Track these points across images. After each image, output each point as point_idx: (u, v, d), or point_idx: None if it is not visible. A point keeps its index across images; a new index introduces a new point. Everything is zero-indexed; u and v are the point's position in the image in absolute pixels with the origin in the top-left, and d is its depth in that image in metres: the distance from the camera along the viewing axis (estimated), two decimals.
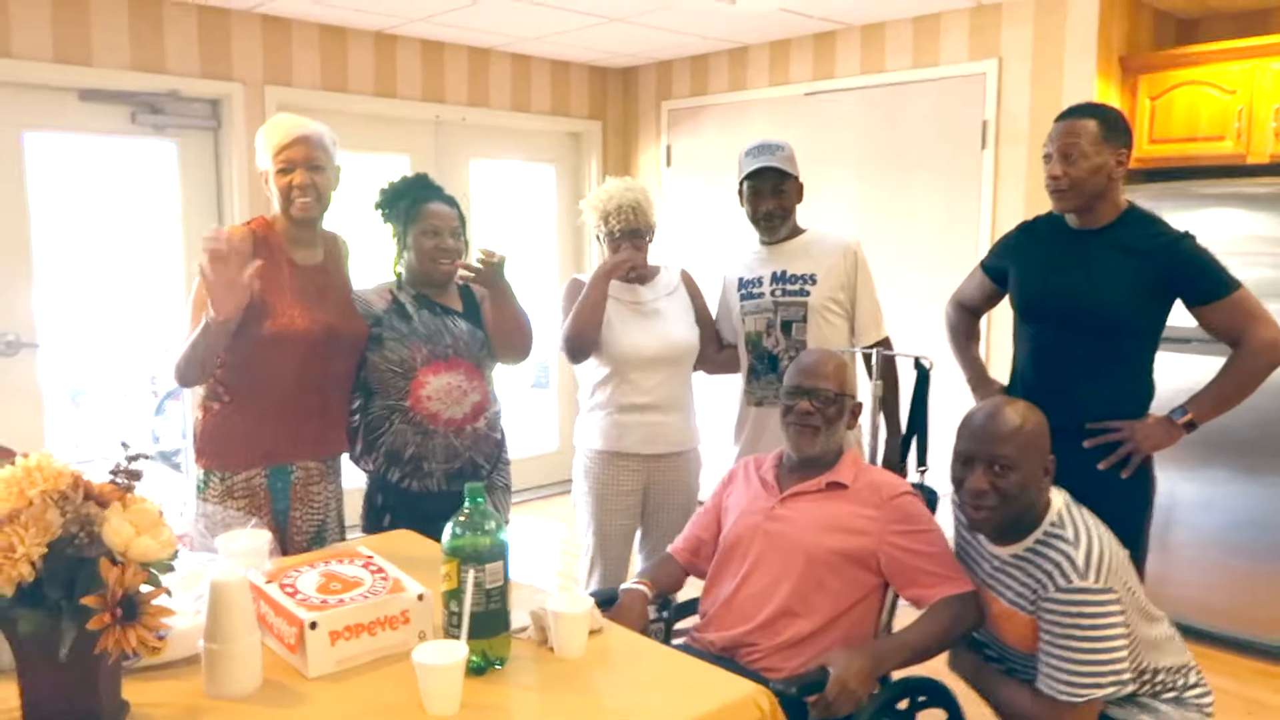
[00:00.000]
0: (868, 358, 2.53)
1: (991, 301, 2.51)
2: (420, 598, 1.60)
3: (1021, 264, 2.34)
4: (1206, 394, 2.16)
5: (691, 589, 2.19)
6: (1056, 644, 1.67)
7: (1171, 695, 1.81)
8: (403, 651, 1.52)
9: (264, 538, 1.76)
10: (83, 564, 1.23)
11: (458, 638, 1.47)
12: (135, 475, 1.33)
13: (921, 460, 2.39)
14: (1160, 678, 1.80)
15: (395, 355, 2.32)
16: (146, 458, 1.40)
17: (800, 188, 2.61)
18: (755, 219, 2.61)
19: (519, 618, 1.64)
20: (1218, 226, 3.23)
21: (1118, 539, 1.77)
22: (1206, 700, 1.84)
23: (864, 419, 2.35)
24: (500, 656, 1.55)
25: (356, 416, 2.38)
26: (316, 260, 2.28)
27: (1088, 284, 2.16)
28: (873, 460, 2.49)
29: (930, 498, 2.17)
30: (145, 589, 1.26)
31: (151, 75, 3.77)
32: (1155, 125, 3.64)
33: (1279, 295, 2.96)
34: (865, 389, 2.43)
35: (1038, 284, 2.28)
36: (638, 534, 2.75)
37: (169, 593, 1.30)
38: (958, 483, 1.83)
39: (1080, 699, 1.64)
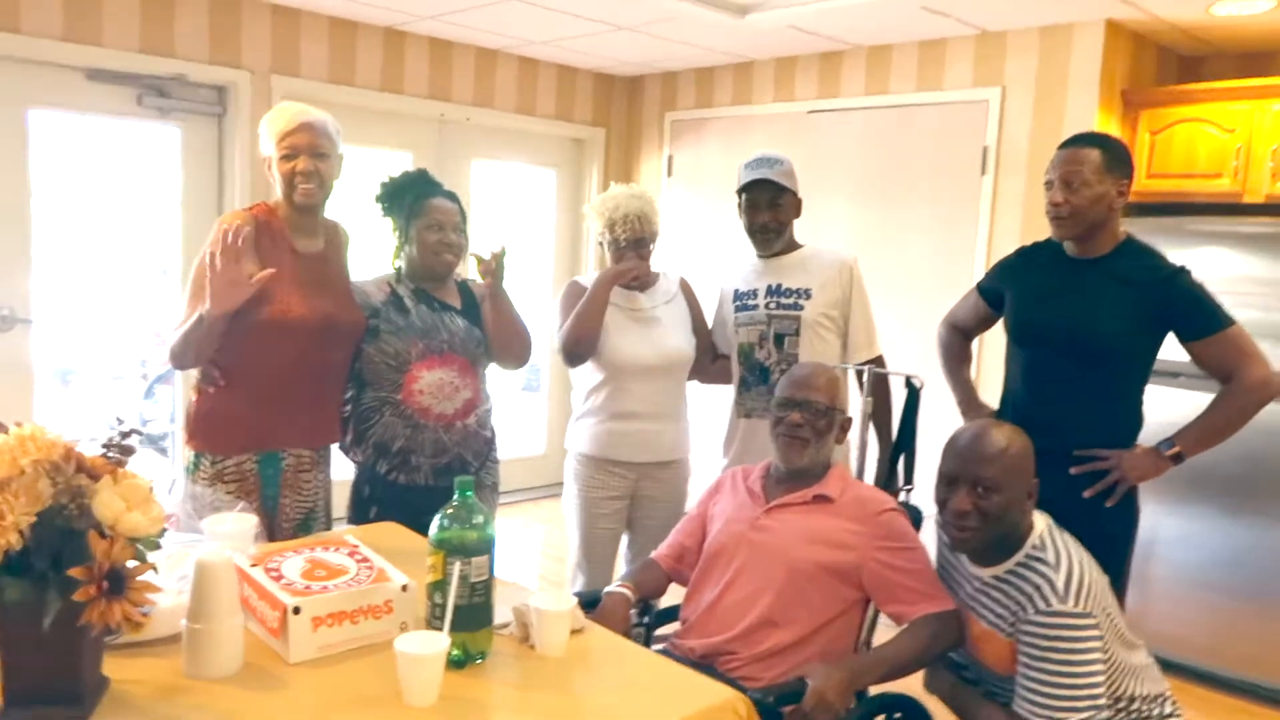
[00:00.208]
0: (859, 374, 2.55)
1: (985, 324, 2.53)
2: (404, 588, 1.61)
3: (1018, 288, 2.36)
4: (1194, 428, 2.17)
5: (673, 596, 2.20)
6: (1034, 667, 1.68)
7: None
8: (384, 641, 1.53)
9: (250, 521, 1.77)
10: (71, 535, 1.24)
11: (440, 629, 1.47)
12: (128, 450, 1.34)
13: (908, 479, 2.41)
14: (1136, 705, 1.81)
15: (390, 348, 2.32)
16: (139, 433, 1.40)
17: (798, 203, 2.62)
18: (751, 231, 2.63)
19: (502, 613, 1.65)
20: (1211, 264, 3.26)
21: (1100, 565, 1.79)
22: None
23: (853, 435, 2.36)
24: (481, 650, 1.56)
25: (348, 407, 2.38)
26: (317, 248, 2.29)
27: (1083, 312, 2.18)
28: (860, 476, 2.50)
29: (915, 516, 2.18)
30: (132, 564, 1.26)
31: (160, 59, 3.78)
32: (1154, 160, 3.68)
33: (1270, 335, 3.00)
34: (856, 405, 2.45)
35: (1033, 309, 2.30)
36: (624, 539, 2.76)
37: (155, 569, 1.30)
38: (941, 503, 1.84)
39: None
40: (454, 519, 1.53)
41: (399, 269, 2.44)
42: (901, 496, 2.33)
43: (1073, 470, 2.17)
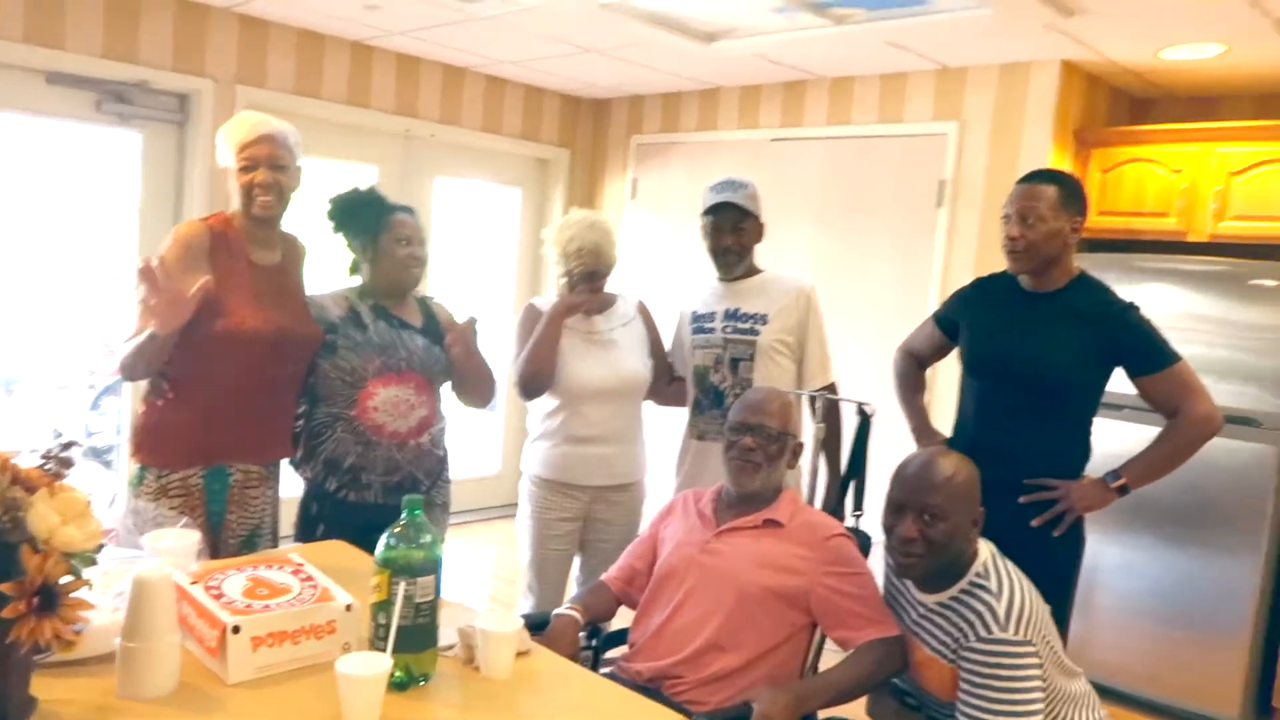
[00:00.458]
0: (812, 400, 2.58)
1: (940, 353, 2.57)
2: (348, 608, 1.59)
3: (973, 320, 2.41)
4: (1141, 461, 2.22)
5: (624, 619, 2.20)
6: (974, 694, 1.70)
7: None
8: (326, 662, 1.50)
9: (192, 538, 1.74)
10: (3, 549, 1.21)
11: (383, 650, 1.45)
12: (66, 463, 1.31)
13: (858, 505, 2.43)
14: None
15: (347, 363, 2.30)
16: (78, 445, 1.37)
17: (760, 227, 2.65)
18: (713, 253, 2.65)
19: (447, 634, 1.63)
20: (1156, 300, 3.35)
21: (1043, 594, 1.82)
22: None
23: (804, 460, 2.38)
24: (425, 672, 1.54)
25: (299, 422, 2.36)
26: (274, 260, 2.27)
27: (1035, 346, 2.22)
28: (810, 501, 2.53)
29: (864, 542, 2.21)
30: (65, 580, 1.23)
31: (122, 64, 3.74)
32: (1104, 197, 3.78)
33: (1211, 371, 3.09)
34: (808, 431, 2.47)
35: (987, 341, 2.34)
36: (576, 561, 2.75)
37: (90, 586, 1.28)
38: (888, 529, 1.86)
39: None
40: (401, 538, 1.52)
41: (360, 285, 2.43)
42: (850, 522, 2.36)
43: (1022, 499, 2.20)
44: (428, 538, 1.53)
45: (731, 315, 2.62)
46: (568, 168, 5.41)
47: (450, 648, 1.65)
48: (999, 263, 2.33)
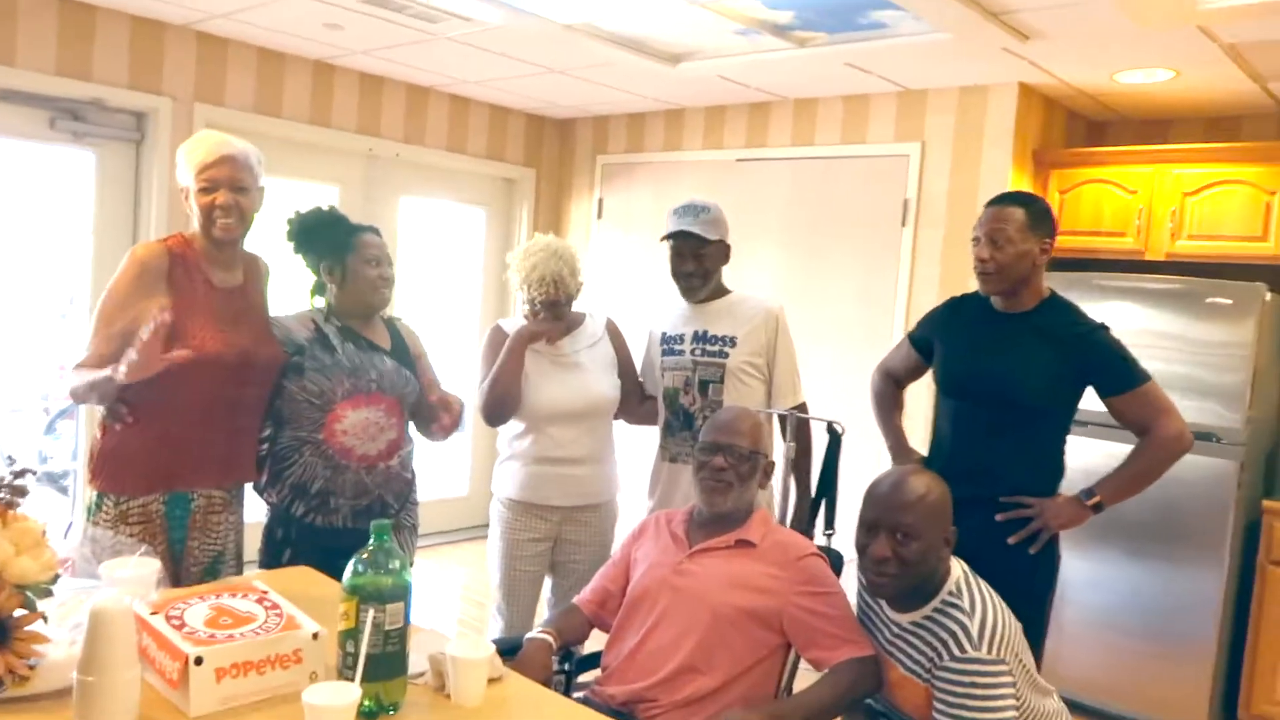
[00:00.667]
0: (783, 419, 2.58)
1: (916, 373, 2.59)
2: (315, 636, 1.55)
3: (946, 340, 2.43)
4: (1114, 479, 2.25)
5: (595, 641, 2.17)
6: (949, 713, 1.70)
7: None
8: (293, 692, 1.46)
9: (152, 566, 1.69)
10: None
11: (352, 679, 1.42)
12: (20, 491, 1.27)
13: (829, 523, 2.43)
14: None
15: (315, 386, 2.26)
16: (32, 473, 1.33)
17: (725, 249, 2.65)
18: (676, 278, 2.65)
19: (417, 662, 1.60)
20: (1116, 318, 3.36)
21: (1018, 612, 1.82)
22: None
23: (775, 480, 2.38)
24: (394, 701, 1.50)
25: (264, 446, 2.31)
26: (236, 282, 2.23)
27: (1007, 366, 2.25)
28: (782, 521, 2.52)
29: (836, 561, 2.20)
30: (19, 613, 1.19)
31: (76, 81, 3.67)
32: (1064, 217, 3.85)
33: (1170, 387, 3.11)
34: (778, 450, 2.47)
35: (959, 362, 2.37)
36: (548, 582, 2.72)
37: (45, 619, 1.23)
38: (861, 549, 1.86)
39: None
40: (369, 564, 1.49)
41: (327, 306, 2.39)
42: (822, 540, 2.35)
43: (998, 517, 2.22)
44: (396, 563, 1.50)
45: (700, 338, 2.62)
46: (533, 187, 5.40)
47: (420, 675, 1.61)
48: (963, 281, 2.37)
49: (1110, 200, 3.75)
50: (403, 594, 1.50)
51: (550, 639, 2.01)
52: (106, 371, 1.98)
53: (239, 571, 2.30)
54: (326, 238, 2.36)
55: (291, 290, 2.47)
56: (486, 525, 2.75)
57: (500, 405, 2.58)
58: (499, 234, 5.41)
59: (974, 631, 1.71)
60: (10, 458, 1.30)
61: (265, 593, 1.65)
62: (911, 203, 4.04)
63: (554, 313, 2.59)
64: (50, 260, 3.97)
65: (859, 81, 3.98)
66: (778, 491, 2.54)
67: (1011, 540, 2.21)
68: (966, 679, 1.68)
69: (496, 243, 5.39)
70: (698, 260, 2.59)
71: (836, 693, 1.87)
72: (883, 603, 1.91)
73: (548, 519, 2.63)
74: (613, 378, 2.70)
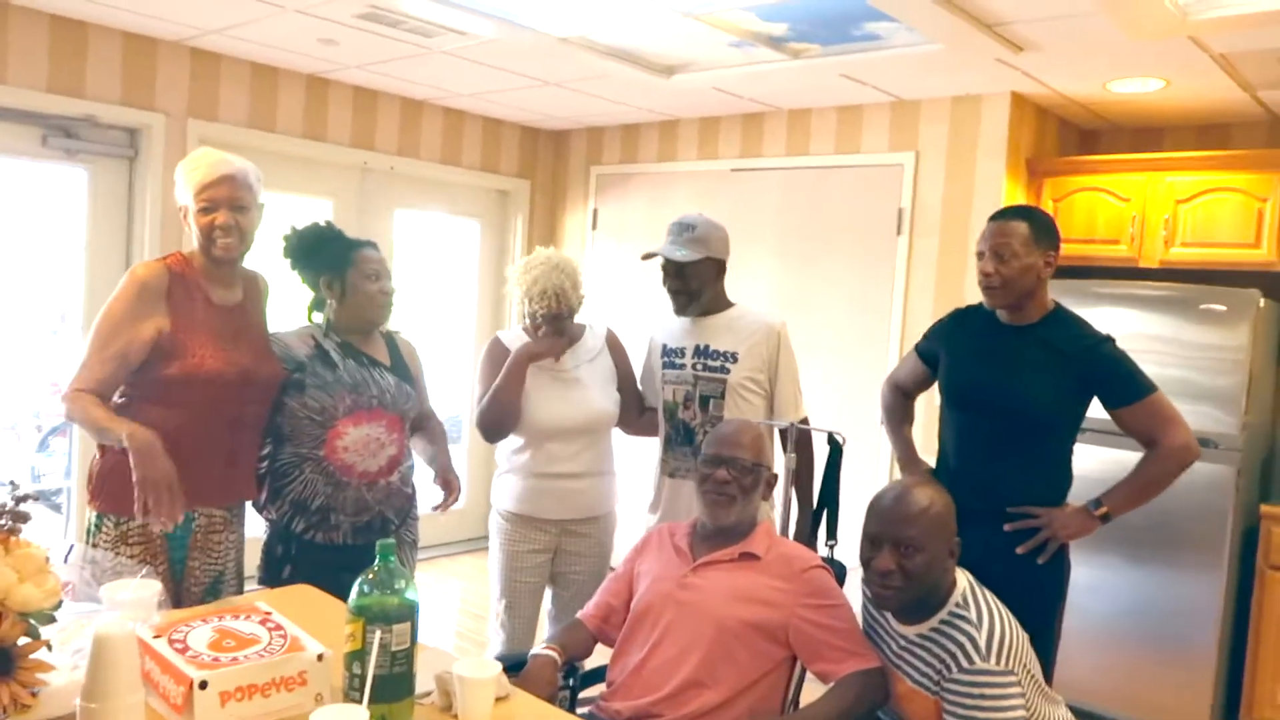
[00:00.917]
0: (784, 431, 2.57)
1: (924, 384, 2.58)
2: (320, 658, 1.54)
3: (951, 352, 2.43)
4: (1121, 489, 2.25)
5: (599, 656, 2.16)
6: None
7: None
8: (299, 715, 1.45)
9: (153, 588, 1.67)
10: None
11: (358, 701, 1.41)
12: (22, 517, 1.25)
13: (831, 534, 2.43)
14: None
15: (316, 403, 2.25)
16: (34, 498, 1.32)
17: (714, 265, 2.60)
18: (668, 293, 2.64)
19: (423, 681, 1.59)
20: (1111, 324, 3.38)
21: (1024, 623, 1.82)
22: None
23: (777, 492, 2.37)
24: None
25: (264, 463, 2.29)
26: (235, 300, 2.22)
27: (1012, 379, 2.25)
28: (784, 533, 2.51)
29: (839, 572, 2.20)
30: (23, 641, 1.17)
31: (68, 98, 3.65)
32: (1059, 226, 3.86)
33: (1168, 394, 3.14)
34: (779, 462, 2.46)
35: (965, 374, 2.37)
36: (548, 594, 2.71)
37: (49, 646, 1.22)
38: (866, 562, 1.85)
39: None
40: (374, 585, 1.48)
41: (325, 321, 2.38)
42: (824, 551, 2.35)
43: (1007, 527, 2.22)
44: (402, 583, 1.49)
45: (701, 352, 2.60)
46: (528, 199, 5.40)
47: (427, 695, 1.60)
48: (959, 289, 2.37)
49: (1104, 208, 3.77)
50: (409, 614, 1.49)
51: (555, 655, 1.99)
52: (116, 435, 1.98)
53: (239, 590, 2.28)
54: (325, 253, 2.36)
55: (290, 306, 2.46)
56: (484, 537, 2.74)
57: (499, 424, 2.57)
58: (494, 246, 5.41)
59: (981, 643, 1.70)
60: (13, 483, 1.29)
61: (268, 614, 1.64)
62: (906, 212, 4.05)
63: (556, 326, 2.59)
64: (43, 277, 3.95)
65: (853, 92, 3.99)
66: (779, 503, 2.53)
67: (1020, 550, 2.21)
68: (976, 690, 1.68)
69: (491, 254, 5.39)
70: (682, 280, 2.58)
71: (843, 706, 1.86)
72: (889, 615, 1.91)
73: (547, 531, 2.62)
74: (612, 391, 2.69)
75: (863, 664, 1.89)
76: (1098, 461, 2.73)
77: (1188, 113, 3.88)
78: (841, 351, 4.15)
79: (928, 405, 2.56)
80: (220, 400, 2.11)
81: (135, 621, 1.47)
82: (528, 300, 2.58)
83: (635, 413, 2.76)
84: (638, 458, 2.86)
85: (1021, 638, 1.77)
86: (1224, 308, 3.33)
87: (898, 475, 2.65)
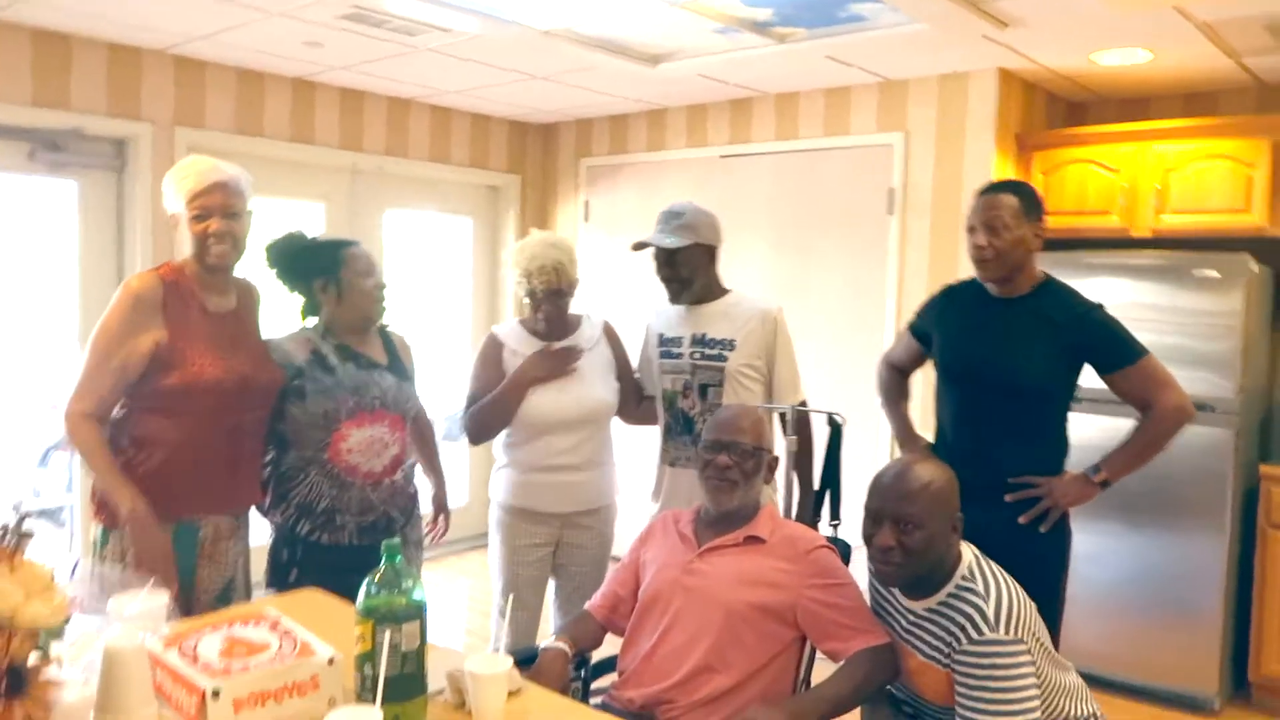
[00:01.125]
0: (783, 414, 2.57)
1: (918, 362, 2.60)
2: (331, 661, 1.54)
3: (944, 328, 2.44)
4: (1119, 454, 2.27)
5: (609, 646, 2.17)
6: (971, 696, 1.70)
7: None
8: (312, 719, 1.46)
9: (162, 600, 1.67)
10: None
11: (371, 702, 1.41)
12: (27, 535, 1.26)
13: (835, 514, 2.44)
14: None
15: (318, 407, 2.26)
16: (35, 516, 1.32)
17: (704, 251, 2.58)
18: (661, 280, 2.64)
19: (435, 679, 1.59)
20: (1103, 294, 3.39)
21: (1029, 592, 1.83)
22: None
23: (779, 475, 2.38)
24: None
25: (268, 469, 2.30)
26: (230, 307, 2.22)
27: (1005, 351, 2.26)
28: (787, 515, 2.52)
29: (844, 550, 2.21)
30: (34, 659, 1.18)
31: (53, 111, 3.64)
32: (1049, 198, 3.86)
33: (1161, 360, 3.14)
34: (780, 445, 2.47)
35: (958, 348, 2.38)
36: (552, 585, 2.72)
37: (60, 663, 1.22)
38: (868, 539, 1.86)
39: None
40: (382, 585, 1.48)
41: (321, 324, 2.38)
42: (828, 531, 2.36)
43: (1007, 497, 2.24)
44: (409, 583, 1.50)
45: (698, 341, 2.60)
46: (519, 193, 5.39)
47: (439, 693, 1.61)
48: (952, 267, 2.38)
49: (1094, 179, 3.77)
50: (417, 613, 1.49)
51: (565, 647, 2.01)
52: (125, 503, 2.02)
53: (248, 596, 2.29)
54: (315, 257, 2.35)
55: (281, 313, 2.46)
56: (486, 533, 2.74)
57: (487, 435, 2.64)
58: (486, 242, 5.40)
59: (990, 614, 1.71)
60: (17, 503, 1.29)
61: (278, 619, 1.64)
62: (897, 192, 4.04)
63: (556, 302, 2.59)
64: (36, 292, 3.94)
65: (840, 74, 3.98)
66: (781, 486, 2.54)
67: (1022, 520, 2.22)
68: (986, 661, 1.69)
69: (484, 251, 5.38)
70: (672, 267, 2.57)
71: (854, 684, 1.87)
72: (896, 591, 1.92)
73: (549, 524, 2.63)
74: (611, 382, 2.69)
75: (871, 641, 1.90)
76: (1095, 430, 2.74)
77: (1174, 82, 3.88)
78: (837, 334, 4.16)
79: (924, 382, 2.57)
80: (221, 408, 2.11)
81: (145, 633, 1.47)
82: (526, 279, 2.58)
83: (634, 402, 2.76)
84: (638, 447, 2.86)
85: (1029, 606, 1.78)
86: (1216, 274, 3.34)
87: (898, 454, 2.65)
